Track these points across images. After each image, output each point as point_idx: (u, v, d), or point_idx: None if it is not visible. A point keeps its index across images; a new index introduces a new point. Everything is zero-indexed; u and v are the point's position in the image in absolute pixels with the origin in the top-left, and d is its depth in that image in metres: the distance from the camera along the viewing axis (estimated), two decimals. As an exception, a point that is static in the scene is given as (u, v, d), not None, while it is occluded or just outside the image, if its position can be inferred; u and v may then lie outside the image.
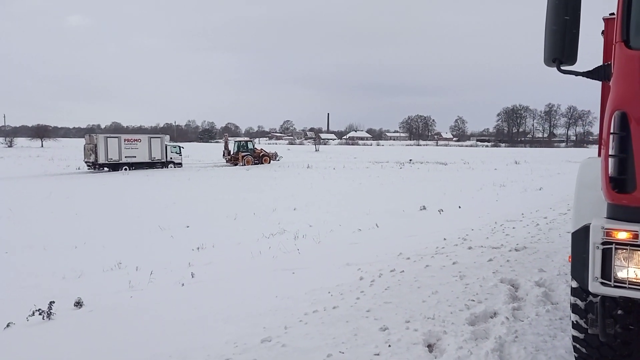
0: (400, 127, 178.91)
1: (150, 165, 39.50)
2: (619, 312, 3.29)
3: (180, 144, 47.76)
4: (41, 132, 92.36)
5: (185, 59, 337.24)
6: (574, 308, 3.46)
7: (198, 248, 10.57)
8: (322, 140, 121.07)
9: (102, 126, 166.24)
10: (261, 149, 50.01)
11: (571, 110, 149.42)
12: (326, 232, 11.91)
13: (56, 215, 16.09)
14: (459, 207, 15.37)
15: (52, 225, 14.12)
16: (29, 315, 5.87)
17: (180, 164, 41.58)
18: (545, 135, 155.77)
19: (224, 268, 8.61)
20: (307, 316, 5.12)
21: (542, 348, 4.08)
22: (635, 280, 2.86)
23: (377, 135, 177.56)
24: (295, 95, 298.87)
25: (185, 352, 4.35)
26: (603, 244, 2.90)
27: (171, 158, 41.14)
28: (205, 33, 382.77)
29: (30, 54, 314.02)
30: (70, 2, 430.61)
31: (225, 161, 46.07)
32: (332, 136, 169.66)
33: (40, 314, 5.91)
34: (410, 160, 51.54)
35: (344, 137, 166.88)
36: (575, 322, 3.47)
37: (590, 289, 2.99)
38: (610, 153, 2.96)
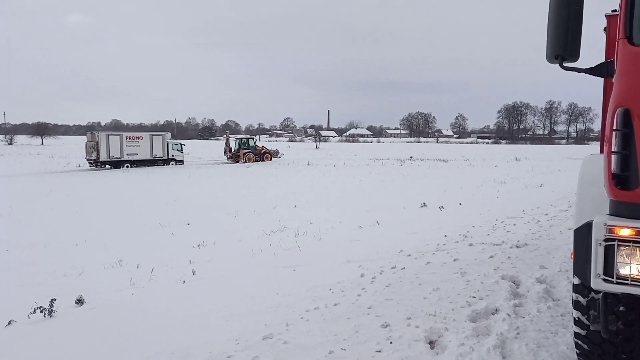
0: (400, 124, 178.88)
1: (152, 162, 39.52)
2: (621, 308, 3.29)
3: (182, 141, 47.79)
4: (41, 130, 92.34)
5: (186, 57, 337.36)
6: (576, 305, 3.46)
7: (199, 245, 10.58)
8: (322, 138, 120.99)
9: (103, 124, 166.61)
10: (262, 146, 49.96)
11: (572, 107, 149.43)
12: (327, 229, 11.91)
13: (57, 212, 16.10)
14: (460, 204, 15.37)
15: (53, 223, 14.13)
16: (31, 313, 5.88)
17: (181, 162, 41.62)
18: (546, 132, 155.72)
19: (224, 265, 8.61)
20: (309, 313, 5.13)
21: (544, 344, 4.08)
22: (637, 277, 2.85)
23: (378, 133, 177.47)
24: (295, 93, 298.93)
25: (187, 350, 4.36)
26: (605, 240, 2.90)
27: (173, 155, 41.17)
28: (205, 30, 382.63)
29: (31, 52, 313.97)
30: (71, 1, 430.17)
31: (226, 158, 46.05)
32: (333, 133, 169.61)
33: (41, 311, 5.92)
34: (411, 157, 51.54)
35: (345, 134, 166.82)
36: (577, 319, 3.47)
37: (592, 285, 2.98)
38: (613, 150, 2.95)
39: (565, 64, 3.26)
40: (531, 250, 7.70)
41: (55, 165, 40.21)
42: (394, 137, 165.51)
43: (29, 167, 37.72)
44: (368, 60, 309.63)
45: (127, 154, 38.14)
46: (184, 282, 7.52)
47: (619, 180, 2.94)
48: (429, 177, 28.16)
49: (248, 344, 4.32)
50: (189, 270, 8.14)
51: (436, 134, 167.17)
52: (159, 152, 40.15)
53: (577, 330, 3.50)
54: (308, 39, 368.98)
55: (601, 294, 3.17)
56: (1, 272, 8.90)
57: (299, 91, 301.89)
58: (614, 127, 2.95)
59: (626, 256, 2.87)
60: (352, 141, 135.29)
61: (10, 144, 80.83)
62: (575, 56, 3.24)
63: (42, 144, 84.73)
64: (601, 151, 4.78)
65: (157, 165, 39.35)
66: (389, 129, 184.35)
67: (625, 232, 2.86)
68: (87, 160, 38.12)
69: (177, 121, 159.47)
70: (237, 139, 48.05)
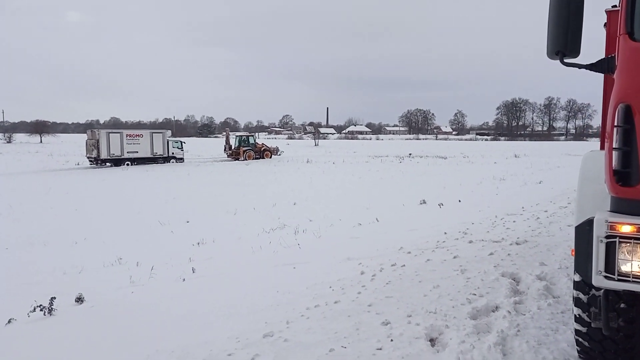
0: (399, 121, 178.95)
1: (152, 160, 39.51)
2: (622, 305, 3.29)
3: (182, 139, 47.69)
4: (40, 128, 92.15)
5: (184, 54, 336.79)
6: (577, 302, 3.46)
7: (198, 243, 10.56)
8: (321, 135, 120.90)
9: (101, 121, 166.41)
10: (262, 143, 49.85)
11: (571, 103, 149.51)
12: (326, 226, 11.91)
13: (56, 211, 16.08)
14: (459, 201, 15.37)
15: (52, 221, 14.11)
16: (30, 311, 5.87)
17: (182, 159, 41.60)
18: (545, 128, 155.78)
19: (224, 263, 8.60)
20: (309, 311, 5.12)
21: (544, 342, 4.08)
22: (638, 274, 2.85)
23: (377, 130, 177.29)
24: (294, 90, 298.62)
25: (187, 348, 4.35)
26: (607, 237, 2.89)
27: (173, 153, 41.16)
28: (204, 28, 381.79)
29: (30, 50, 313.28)
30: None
31: (226, 156, 45.99)
32: (332, 130, 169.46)
33: (41, 309, 5.91)
34: (410, 154, 51.52)
35: (344, 131, 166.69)
36: (577, 316, 3.47)
37: (593, 282, 2.98)
38: (614, 146, 2.94)
39: (565, 60, 3.25)
40: (531, 247, 7.70)
41: (54, 163, 40.15)
42: (393, 134, 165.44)
43: (28, 165, 37.66)
44: (367, 57, 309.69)
45: (127, 152, 38.14)
46: (183, 280, 7.51)
47: (620, 176, 2.94)
48: (428, 174, 28.16)
49: (248, 342, 4.32)
50: (189, 268, 8.13)
51: (435, 130, 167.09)
52: (159, 150, 40.13)
53: (578, 327, 3.50)
54: (307, 36, 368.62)
55: (602, 291, 3.16)
56: (1, 271, 8.89)
57: (297, 88, 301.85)
58: (615, 124, 2.94)
59: (627, 253, 2.87)
60: (351, 138, 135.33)
61: (9, 142, 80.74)
62: (576, 52, 3.23)
63: (41, 142, 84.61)
64: (601, 147, 4.77)
65: (158, 163, 39.32)
66: (388, 125, 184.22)
67: (626, 229, 2.85)
68: (88, 158, 38.10)
69: (175, 119, 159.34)
70: (237, 136, 47.97)
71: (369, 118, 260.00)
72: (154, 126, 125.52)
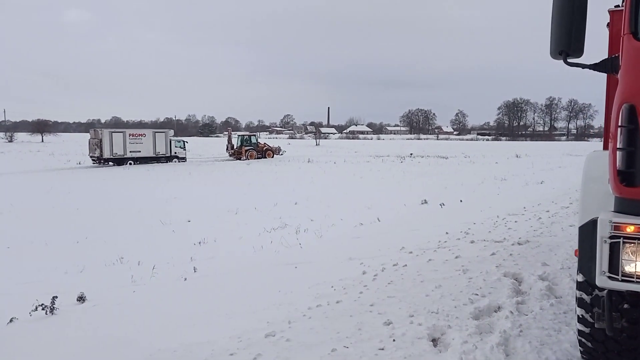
0: (400, 121, 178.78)
1: (155, 160, 39.58)
2: (626, 306, 3.28)
3: (185, 139, 47.69)
4: (41, 127, 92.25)
5: (185, 53, 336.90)
6: (580, 302, 3.45)
7: (200, 242, 10.56)
8: (322, 135, 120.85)
9: (103, 121, 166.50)
10: (264, 143, 49.81)
11: (572, 103, 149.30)
12: (328, 226, 11.90)
13: (57, 210, 16.08)
14: (461, 201, 15.36)
15: (54, 221, 14.11)
16: (32, 310, 5.87)
17: (184, 159, 41.66)
18: (546, 128, 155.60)
19: (226, 262, 8.61)
20: (311, 310, 5.12)
21: (547, 342, 4.07)
22: None
23: (378, 129, 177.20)
24: (295, 90, 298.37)
25: (189, 347, 4.35)
26: (611, 237, 2.88)
27: (175, 153, 41.23)
28: (205, 27, 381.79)
29: (30, 49, 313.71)
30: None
31: (228, 155, 45.99)
32: (333, 130, 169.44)
33: (43, 308, 5.91)
34: (411, 154, 51.47)
35: (345, 131, 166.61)
36: (580, 316, 3.46)
37: (597, 283, 2.97)
38: (618, 146, 2.93)
39: (569, 60, 3.24)
40: (533, 247, 7.69)
41: (55, 162, 40.17)
42: (394, 133, 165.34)
43: (30, 164, 37.68)
44: (368, 56, 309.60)
45: (130, 151, 38.23)
46: (185, 279, 7.52)
47: (624, 177, 2.93)
48: (430, 174, 28.14)
49: (250, 342, 4.31)
50: (190, 268, 8.14)
51: (436, 130, 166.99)
52: (161, 150, 40.19)
53: (581, 327, 3.49)
54: (309, 36, 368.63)
55: (606, 291, 3.15)
56: (2, 270, 8.90)
57: (298, 88, 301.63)
58: (619, 124, 2.93)
59: (631, 253, 2.86)
60: (352, 138, 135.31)
61: (11, 141, 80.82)
62: (579, 52, 3.22)
63: (42, 141, 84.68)
64: (604, 148, 4.75)
65: (160, 163, 39.37)
66: (389, 125, 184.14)
67: (630, 229, 2.84)
68: (91, 157, 38.20)
69: (177, 118, 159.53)
70: (239, 136, 47.95)
71: (370, 118, 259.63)
72: (155, 125, 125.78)
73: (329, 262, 7.87)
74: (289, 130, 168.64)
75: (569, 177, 23.13)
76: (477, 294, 5.29)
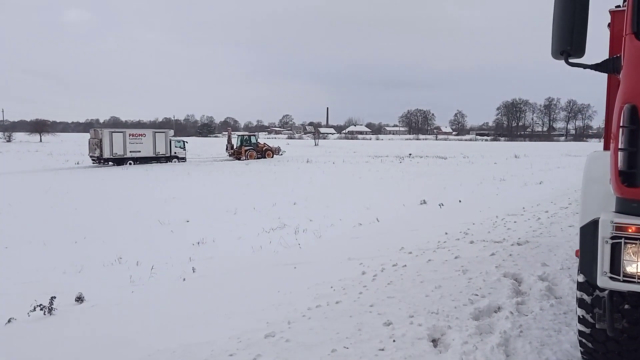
0: (399, 121, 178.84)
1: (155, 160, 39.58)
2: (626, 306, 3.27)
3: (184, 139, 47.69)
4: (40, 127, 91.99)
5: (184, 53, 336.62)
6: (580, 303, 3.44)
7: (198, 243, 10.54)
8: (321, 135, 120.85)
9: (101, 121, 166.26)
10: (264, 143, 49.77)
11: (571, 104, 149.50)
12: (327, 226, 11.89)
13: (55, 210, 16.04)
14: (460, 201, 15.36)
15: (52, 220, 14.07)
16: (30, 311, 5.85)
17: (184, 159, 41.66)
18: (545, 129, 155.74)
19: (225, 263, 8.59)
20: (310, 311, 5.10)
21: (547, 343, 4.06)
22: None
23: (377, 130, 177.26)
24: (294, 90, 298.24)
25: (188, 348, 4.33)
26: (612, 238, 2.87)
27: (175, 153, 41.22)
28: (204, 27, 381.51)
29: (29, 49, 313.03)
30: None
31: (228, 155, 45.97)
32: (332, 130, 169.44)
33: (41, 309, 5.89)
34: (410, 154, 51.48)
35: (343, 131, 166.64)
36: (581, 317, 3.45)
37: (599, 283, 2.96)
38: (619, 147, 2.92)
39: (570, 60, 3.24)
40: (532, 247, 7.68)
41: (54, 162, 40.09)
42: (393, 134, 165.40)
43: (28, 164, 37.60)
44: (367, 56, 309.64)
45: (130, 151, 38.23)
46: (184, 279, 7.50)
47: (626, 177, 2.92)
48: (428, 174, 28.13)
49: (250, 343, 4.30)
50: (189, 268, 8.12)
51: (435, 131, 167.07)
52: (161, 150, 40.19)
53: (582, 328, 3.48)
54: (307, 36, 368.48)
55: (607, 292, 3.14)
56: (0, 270, 8.86)
57: (297, 88, 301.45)
58: (621, 124, 2.92)
59: (633, 254, 2.85)
60: (351, 138, 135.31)
61: (9, 141, 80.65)
62: (581, 52, 3.22)
63: (41, 141, 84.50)
64: (605, 148, 4.75)
65: (160, 163, 39.36)
66: (387, 126, 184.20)
67: (632, 230, 2.83)
68: (91, 157, 38.20)
69: (175, 118, 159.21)
70: (238, 136, 47.94)
71: (368, 118, 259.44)
72: (154, 125, 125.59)
73: (328, 262, 7.85)
74: (288, 130, 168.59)
75: (568, 177, 23.15)
76: (477, 295, 5.28)
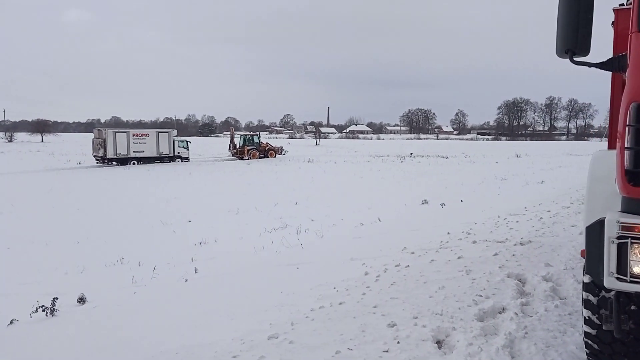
0: (400, 121, 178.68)
1: (158, 159, 39.66)
2: (633, 307, 3.24)
3: (188, 139, 47.77)
4: (41, 127, 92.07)
5: (185, 53, 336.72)
6: (586, 304, 3.41)
7: (200, 243, 10.53)
8: (322, 134, 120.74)
9: (102, 120, 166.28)
10: (267, 142, 49.82)
11: (572, 103, 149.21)
12: (328, 226, 11.87)
13: (57, 210, 16.05)
14: (461, 200, 15.32)
15: (54, 221, 14.08)
16: (33, 312, 5.84)
17: (187, 159, 41.73)
18: (546, 128, 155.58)
19: (227, 263, 8.57)
20: (314, 312, 5.08)
21: (553, 344, 4.03)
22: None
23: (378, 129, 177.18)
24: (295, 89, 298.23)
25: (191, 349, 4.31)
26: (618, 238, 2.84)
27: (179, 153, 41.31)
28: (205, 26, 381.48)
29: (30, 48, 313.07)
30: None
31: (231, 155, 46.03)
32: (333, 130, 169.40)
33: (43, 310, 5.89)
34: (411, 154, 51.42)
35: (345, 130, 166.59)
36: (587, 318, 3.42)
37: (605, 284, 2.93)
38: (626, 145, 2.89)
39: (575, 59, 3.22)
40: (535, 247, 7.65)
41: (55, 162, 40.12)
42: (394, 133, 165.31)
43: (30, 164, 37.63)
44: (368, 56, 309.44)
45: (133, 151, 38.35)
46: (186, 280, 7.48)
47: (632, 176, 2.89)
48: (430, 173, 28.10)
49: (253, 344, 4.28)
50: (191, 269, 8.10)
51: (436, 130, 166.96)
52: (165, 150, 40.29)
53: (587, 329, 3.45)
54: (309, 36, 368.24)
55: (613, 292, 3.11)
56: (2, 270, 8.86)
57: (298, 88, 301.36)
58: (627, 123, 2.89)
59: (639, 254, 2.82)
60: (352, 138, 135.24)
61: (11, 141, 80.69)
62: (585, 50, 3.20)
63: (42, 141, 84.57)
64: (609, 147, 4.72)
65: (164, 163, 39.44)
66: (389, 125, 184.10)
67: (638, 230, 2.80)
68: (94, 157, 38.31)
69: (176, 118, 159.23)
70: (241, 135, 48.02)
71: (369, 118, 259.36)
72: (155, 125, 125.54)
73: (331, 262, 7.83)
74: (289, 130, 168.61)
75: (570, 176, 23.10)
76: (481, 295, 5.25)
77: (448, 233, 9.50)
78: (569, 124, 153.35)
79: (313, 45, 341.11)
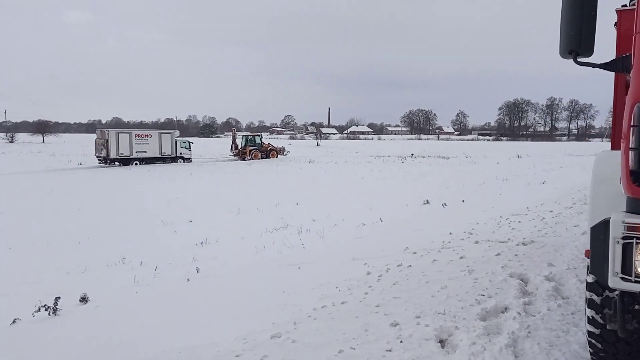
0: (401, 121, 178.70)
1: (161, 160, 39.72)
2: (637, 307, 3.24)
3: (190, 139, 47.84)
4: (42, 128, 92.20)
5: (186, 54, 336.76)
6: (590, 303, 3.40)
7: (202, 243, 10.54)
8: (323, 135, 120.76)
9: (103, 121, 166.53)
10: (269, 143, 49.82)
11: (573, 103, 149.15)
12: (330, 226, 11.87)
13: (59, 210, 16.06)
14: (463, 201, 15.31)
15: (55, 221, 14.09)
16: (35, 311, 5.85)
17: (189, 159, 41.79)
18: (547, 129, 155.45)
19: (228, 263, 8.58)
20: (316, 312, 5.08)
21: (556, 343, 4.02)
22: None
23: (379, 130, 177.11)
24: (296, 90, 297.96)
25: (194, 349, 4.31)
26: (624, 238, 2.84)
27: (181, 153, 41.38)
28: (206, 27, 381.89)
29: (31, 49, 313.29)
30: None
31: (232, 155, 46.05)
32: (333, 131, 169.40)
33: (46, 309, 5.90)
34: (412, 154, 51.42)
35: (345, 131, 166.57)
36: (590, 318, 3.42)
37: (610, 284, 2.93)
38: (631, 146, 2.89)
39: (579, 59, 3.22)
40: (538, 247, 7.64)
41: (56, 163, 40.15)
42: (395, 134, 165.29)
43: (31, 165, 37.66)
44: (369, 57, 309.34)
45: (136, 152, 38.44)
46: (188, 280, 7.49)
47: (637, 177, 2.88)
48: (431, 174, 28.09)
49: (256, 343, 4.28)
50: (193, 268, 8.11)
51: (437, 131, 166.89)
52: (167, 150, 40.36)
53: (591, 329, 3.44)
54: (308, 37, 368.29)
55: (617, 292, 3.11)
56: (4, 270, 8.87)
57: (299, 88, 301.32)
58: (632, 123, 2.89)
59: None
60: (353, 138, 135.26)
61: (12, 142, 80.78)
62: (589, 51, 3.20)
63: (43, 141, 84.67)
64: (612, 147, 4.72)
65: (166, 163, 39.50)
66: (389, 126, 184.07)
67: None
68: (97, 157, 38.40)
69: (177, 119, 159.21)
70: (243, 136, 48.05)
71: (370, 118, 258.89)
72: (156, 126, 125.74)
73: (333, 262, 7.83)
74: (290, 130, 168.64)
75: (571, 177, 23.09)
76: (484, 295, 5.25)
77: (450, 233, 9.50)
78: (570, 125, 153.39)
79: (314, 46, 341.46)
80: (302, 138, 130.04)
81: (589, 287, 3.41)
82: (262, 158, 44.70)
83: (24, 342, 5.18)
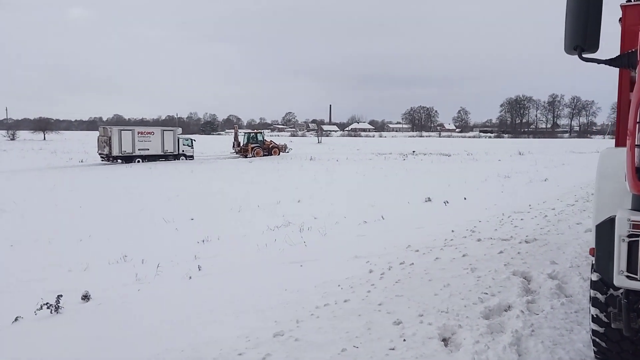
0: (402, 119, 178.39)
1: (163, 157, 39.74)
2: (642, 305, 3.21)
3: (192, 137, 47.81)
4: (43, 125, 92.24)
5: (187, 51, 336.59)
6: (594, 301, 3.39)
7: (203, 240, 10.52)
8: (324, 132, 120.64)
9: (104, 119, 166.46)
10: (271, 140, 49.70)
11: (575, 100, 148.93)
12: (331, 224, 11.85)
13: (60, 208, 16.06)
14: (465, 198, 15.28)
15: (57, 219, 14.09)
16: (37, 309, 5.84)
17: (192, 157, 41.80)
18: (549, 125, 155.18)
19: (230, 261, 8.57)
20: (319, 310, 5.07)
21: (560, 342, 4.01)
22: None
23: (380, 127, 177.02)
24: (297, 87, 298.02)
25: (197, 347, 4.30)
26: (629, 236, 2.82)
27: (183, 151, 41.38)
28: (207, 24, 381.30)
29: (32, 47, 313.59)
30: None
31: (235, 152, 46.00)
32: (334, 128, 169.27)
33: (48, 307, 5.89)
34: (414, 151, 51.36)
35: (346, 128, 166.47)
36: (595, 316, 3.40)
37: (615, 282, 2.91)
38: (636, 143, 2.86)
39: (584, 55, 3.20)
40: (540, 245, 7.62)
41: (58, 160, 40.19)
42: (396, 131, 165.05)
43: (32, 162, 37.70)
44: (370, 53, 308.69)
45: (138, 149, 38.49)
46: (190, 277, 7.48)
47: (643, 174, 2.86)
48: (432, 171, 28.05)
49: (259, 341, 4.27)
50: (195, 266, 8.10)
51: (438, 128, 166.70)
52: (169, 148, 40.39)
53: (595, 327, 3.43)
54: (309, 34, 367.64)
55: (622, 290, 3.09)
56: (6, 268, 8.86)
57: (300, 85, 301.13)
58: (638, 120, 2.86)
59: None
60: (354, 135, 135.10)
61: (13, 139, 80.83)
62: (594, 47, 3.18)
63: (44, 139, 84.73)
64: (616, 144, 4.69)
65: (168, 160, 39.51)
66: (391, 123, 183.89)
67: None
68: (99, 154, 38.45)
69: (178, 116, 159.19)
70: (245, 133, 47.94)
71: (371, 115, 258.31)
72: (157, 123, 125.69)
73: (335, 260, 7.82)
74: (291, 127, 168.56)
75: (573, 174, 23.04)
76: (487, 293, 5.24)
77: (452, 231, 9.48)
78: (572, 122, 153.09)
79: (315, 43, 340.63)
80: (303, 135, 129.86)
81: (594, 285, 3.39)
82: (264, 155, 44.66)
83: (26, 340, 5.17)
